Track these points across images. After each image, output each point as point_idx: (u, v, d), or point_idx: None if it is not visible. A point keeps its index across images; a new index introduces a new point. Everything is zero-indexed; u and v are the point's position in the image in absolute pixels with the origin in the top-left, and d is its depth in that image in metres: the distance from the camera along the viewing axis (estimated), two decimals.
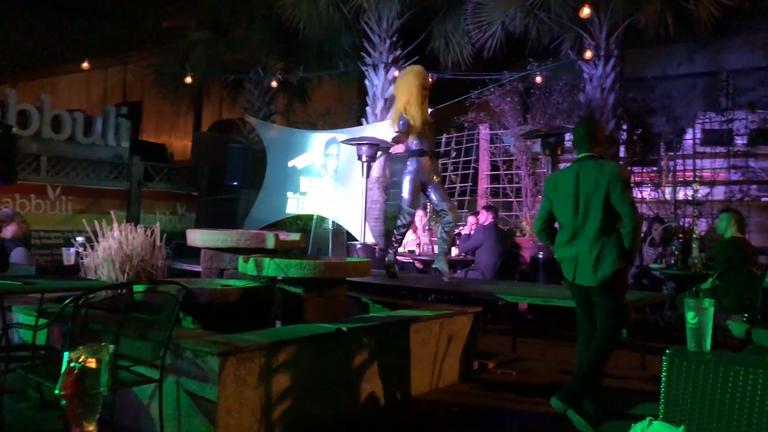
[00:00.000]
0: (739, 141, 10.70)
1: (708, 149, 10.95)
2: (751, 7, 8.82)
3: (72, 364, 1.71)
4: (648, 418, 2.31)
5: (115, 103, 13.54)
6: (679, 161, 11.13)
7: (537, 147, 9.92)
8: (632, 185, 5.15)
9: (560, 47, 9.67)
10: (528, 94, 10.49)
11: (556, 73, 10.26)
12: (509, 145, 10.83)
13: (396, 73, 10.53)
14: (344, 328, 4.31)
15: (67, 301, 3.06)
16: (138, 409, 3.79)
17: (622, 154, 10.36)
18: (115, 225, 5.18)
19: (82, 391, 1.66)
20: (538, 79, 9.90)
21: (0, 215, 5.93)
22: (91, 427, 1.67)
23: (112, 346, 1.82)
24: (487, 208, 8.99)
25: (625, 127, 9.71)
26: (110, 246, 5.06)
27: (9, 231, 5.74)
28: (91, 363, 1.70)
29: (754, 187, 10.77)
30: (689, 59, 11.67)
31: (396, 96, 6.79)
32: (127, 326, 3.80)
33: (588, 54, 8.85)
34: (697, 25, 8.42)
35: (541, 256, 8.41)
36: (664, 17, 8.37)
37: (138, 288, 3.90)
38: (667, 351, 2.64)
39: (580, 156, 4.28)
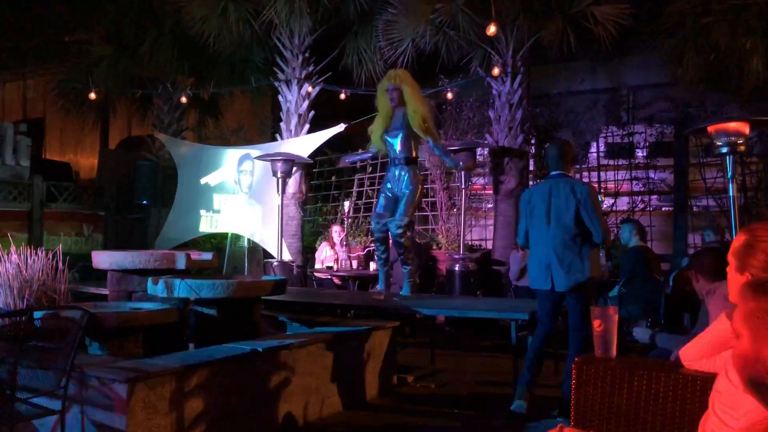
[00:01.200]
0: (640, 153, 11.27)
1: (611, 162, 11.48)
2: (647, 27, 9.32)
3: None
4: (559, 423, 2.37)
5: (14, 120, 12.86)
6: (585, 173, 11.61)
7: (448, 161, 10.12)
8: None
9: (470, 64, 9.90)
10: (440, 110, 10.69)
11: (467, 89, 10.51)
12: (423, 160, 10.99)
13: (309, 89, 10.50)
14: (259, 349, 4.23)
15: None
16: None
17: (531, 168, 10.71)
18: (13, 249, 4.88)
19: None
20: (450, 96, 10.11)
21: None
22: None
23: (5, 379, 1.69)
24: None
25: (533, 141, 10.04)
26: (7, 271, 4.76)
27: None
28: None
29: (654, 197, 11.37)
30: (592, 76, 12.21)
31: (422, 102, 6.26)
32: (26, 355, 3.58)
33: (496, 71, 9.09)
34: (598, 44, 8.81)
35: (457, 268, 8.55)
36: (566, 35, 8.71)
37: (38, 314, 3.69)
38: (576, 359, 2.72)
39: (552, 174, 4.70)
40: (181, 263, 5.23)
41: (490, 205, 10.30)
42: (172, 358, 3.89)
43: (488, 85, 9.58)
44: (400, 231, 6.25)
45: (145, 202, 10.99)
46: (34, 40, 14.59)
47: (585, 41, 8.92)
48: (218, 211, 10.39)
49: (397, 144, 6.36)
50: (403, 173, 6.34)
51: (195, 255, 5.44)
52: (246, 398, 4.09)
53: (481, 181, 11.02)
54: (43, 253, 4.98)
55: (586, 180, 11.21)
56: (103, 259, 5.32)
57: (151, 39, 10.90)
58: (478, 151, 9.56)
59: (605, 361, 2.60)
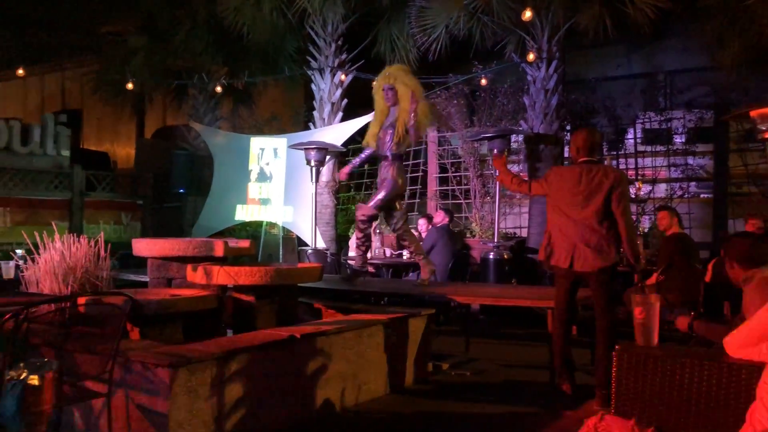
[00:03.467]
0: (678, 139, 11.06)
1: (648, 148, 11.28)
2: (685, 10, 9.11)
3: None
4: (600, 412, 2.36)
5: (53, 111, 13.13)
6: (622, 160, 11.44)
7: (484, 149, 10.07)
8: None
9: (504, 50, 9.80)
10: (474, 96, 10.61)
11: (501, 75, 10.41)
12: (457, 148, 10.94)
13: (342, 77, 10.52)
14: (297, 335, 4.27)
15: (7, 317, 2.94)
16: (86, 425, 3.67)
17: (566, 154, 10.58)
18: (57, 236, 5.00)
19: (26, 410, 1.59)
20: (483, 82, 10.03)
21: None
22: None
23: (56, 363, 1.74)
24: (441, 209, 9.07)
25: (568, 127, 9.91)
26: (52, 258, 4.88)
27: None
28: (34, 380, 1.63)
29: (693, 183, 11.15)
30: (628, 60, 12.01)
31: (411, 102, 6.07)
32: (72, 340, 3.68)
33: (531, 56, 8.99)
34: (635, 28, 8.65)
35: (491, 256, 8.51)
36: (602, 20, 8.57)
37: (82, 300, 3.78)
38: (616, 347, 2.70)
39: (581, 160, 4.75)
40: (218, 251, 5.29)
41: None
42: (212, 344, 3.95)
43: (523, 70, 9.48)
44: (360, 218, 6.26)
45: (181, 190, 11.15)
46: (71, 33, 14.85)
47: (621, 25, 8.76)
48: (253, 200, 10.49)
49: (388, 140, 6.33)
50: (388, 168, 6.30)
51: (232, 243, 5.50)
52: (284, 384, 4.14)
53: (516, 168, 10.93)
54: (85, 240, 5.10)
55: (622, 167, 11.05)
56: (143, 247, 5.41)
57: (185, 29, 11.01)
58: (513, 137, 9.46)
59: (647, 349, 2.58)
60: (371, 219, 6.41)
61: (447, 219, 8.66)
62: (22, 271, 5.11)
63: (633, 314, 2.66)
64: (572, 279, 4.74)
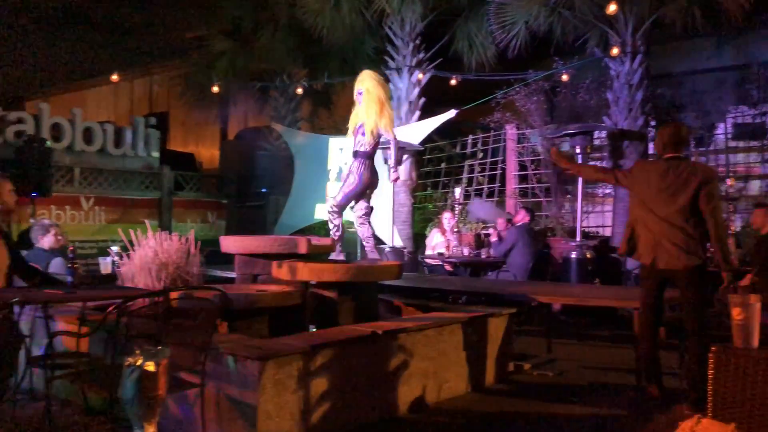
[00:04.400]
0: None
1: (740, 144, 10.77)
2: None
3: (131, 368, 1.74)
4: (696, 416, 2.28)
5: (141, 114, 13.73)
6: (711, 156, 10.97)
7: (566, 146, 9.86)
8: None
9: (585, 45, 9.59)
10: (554, 92, 10.43)
11: (582, 71, 10.19)
12: (536, 145, 10.77)
13: (420, 76, 10.54)
14: (379, 331, 4.32)
15: (110, 308, 3.11)
16: (179, 414, 3.82)
17: (651, 151, 10.25)
18: (150, 233, 5.24)
19: (143, 394, 1.69)
20: (564, 78, 9.83)
21: (37, 226, 6.04)
22: (153, 429, 1.69)
23: (168, 350, 1.84)
24: (522, 208, 8.95)
25: (653, 123, 9.59)
26: (146, 254, 5.11)
27: (46, 242, 5.84)
28: (150, 366, 1.72)
29: None
30: (717, 52, 11.50)
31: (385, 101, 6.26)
32: (167, 332, 3.85)
33: (614, 51, 8.76)
34: (725, 18, 8.29)
35: (573, 255, 8.33)
36: (690, 11, 8.26)
37: (177, 295, 3.94)
38: (712, 348, 2.61)
39: (668, 156, 4.60)
40: (302, 248, 5.40)
41: (607, 190, 9.94)
42: (298, 339, 4.05)
43: (606, 65, 9.25)
44: (331, 210, 6.26)
45: (263, 190, 11.45)
46: (159, 39, 15.49)
47: (710, 16, 8.42)
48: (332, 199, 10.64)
49: (359, 138, 6.37)
50: (358, 165, 6.34)
51: (315, 240, 5.62)
52: (366, 379, 4.19)
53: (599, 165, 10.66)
54: (177, 237, 5.32)
55: (711, 164, 10.60)
56: (231, 244, 5.59)
57: (267, 33, 11.32)
58: (596, 134, 9.23)
59: (746, 351, 2.48)
60: (341, 209, 6.47)
61: (527, 218, 8.54)
62: (118, 267, 5.38)
63: (731, 315, 2.56)
64: (658, 279, 4.59)
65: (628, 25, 8.79)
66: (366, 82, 6.13)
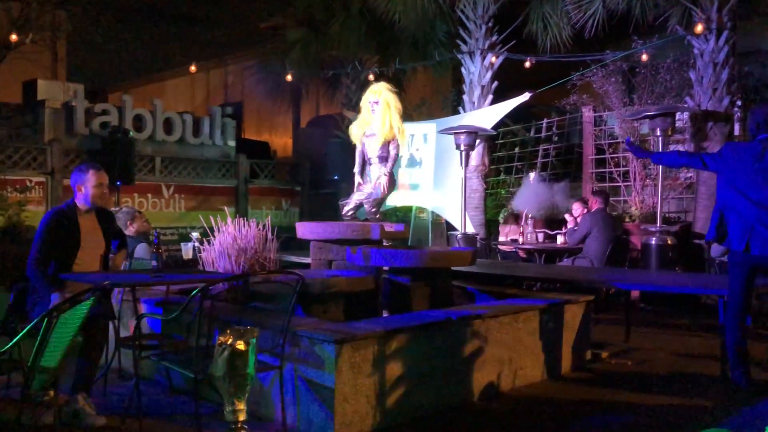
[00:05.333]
0: None
1: None
2: None
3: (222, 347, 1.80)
4: None
5: (217, 104, 14.11)
6: None
7: (645, 128, 9.53)
8: None
9: (666, 23, 9.20)
10: (633, 73, 10.08)
11: (663, 50, 9.78)
12: (614, 128, 10.45)
13: (493, 59, 10.39)
14: (453, 317, 4.31)
15: (194, 292, 3.22)
16: (258, 395, 3.93)
17: (737, 133, 9.78)
18: (229, 220, 5.39)
19: (234, 372, 1.74)
20: (644, 57, 9.47)
21: (122, 213, 6.31)
22: (242, 406, 1.75)
23: (257, 329, 1.89)
24: (596, 193, 8.69)
25: (740, 103, 9.13)
26: (225, 240, 5.26)
27: (132, 228, 6.09)
28: (240, 345, 1.77)
29: None
30: None
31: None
32: (247, 315, 3.97)
33: (699, 28, 8.37)
34: None
35: (653, 242, 8.07)
36: None
37: (258, 279, 4.05)
38: None
39: (761, 137, 4.44)
40: (375, 234, 5.46)
41: (689, 174, 9.55)
42: (374, 323, 4.09)
43: (688, 44, 8.86)
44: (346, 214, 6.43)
45: (336, 177, 11.58)
46: (233, 29, 15.84)
47: None
48: (403, 185, 10.66)
49: (372, 144, 6.40)
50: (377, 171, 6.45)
51: (388, 227, 5.64)
52: (441, 365, 4.19)
53: (681, 148, 10.25)
54: (254, 224, 5.45)
55: None
56: (306, 230, 5.70)
57: (340, 20, 11.40)
58: (678, 115, 8.87)
59: None
60: (357, 209, 6.62)
61: (600, 203, 8.29)
62: (199, 252, 5.56)
63: None
64: (750, 265, 4.39)
65: (713, 0, 8.40)
66: (385, 94, 6.23)
